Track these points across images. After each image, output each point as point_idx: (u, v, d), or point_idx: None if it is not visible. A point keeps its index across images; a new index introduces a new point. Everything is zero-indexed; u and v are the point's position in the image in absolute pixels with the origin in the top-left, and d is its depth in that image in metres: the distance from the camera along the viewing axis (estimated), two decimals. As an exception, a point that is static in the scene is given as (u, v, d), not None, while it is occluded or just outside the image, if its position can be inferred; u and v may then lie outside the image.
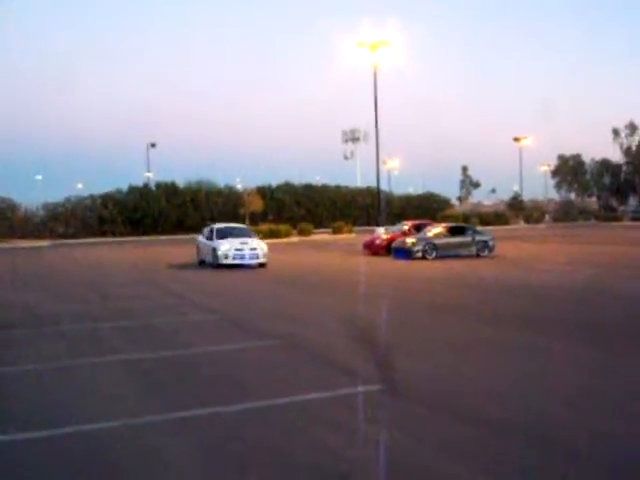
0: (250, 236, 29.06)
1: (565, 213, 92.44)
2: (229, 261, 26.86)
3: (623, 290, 17.52)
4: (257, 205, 67.08)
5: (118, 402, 7.79)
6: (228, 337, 11.87)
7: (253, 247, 27.43)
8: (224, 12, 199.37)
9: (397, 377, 8.41)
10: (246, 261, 27.04)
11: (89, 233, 64.72)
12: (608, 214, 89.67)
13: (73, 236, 63.68)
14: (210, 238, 28.43)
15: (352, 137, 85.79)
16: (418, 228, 34.02)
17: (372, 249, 34.12)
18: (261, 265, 27.19)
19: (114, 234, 65.86)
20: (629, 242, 40.36)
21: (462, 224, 37.49)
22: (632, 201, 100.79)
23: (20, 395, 8.35)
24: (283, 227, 57.73)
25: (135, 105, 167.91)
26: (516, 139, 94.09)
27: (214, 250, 27.25)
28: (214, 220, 65.68)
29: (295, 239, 56.10)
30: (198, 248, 30.12)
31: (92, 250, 45.94)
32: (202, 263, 29.09)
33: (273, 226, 57.70)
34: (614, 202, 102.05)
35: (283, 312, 14.82)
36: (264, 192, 74.38)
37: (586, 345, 10.28)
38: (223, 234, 28.25)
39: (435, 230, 31.82)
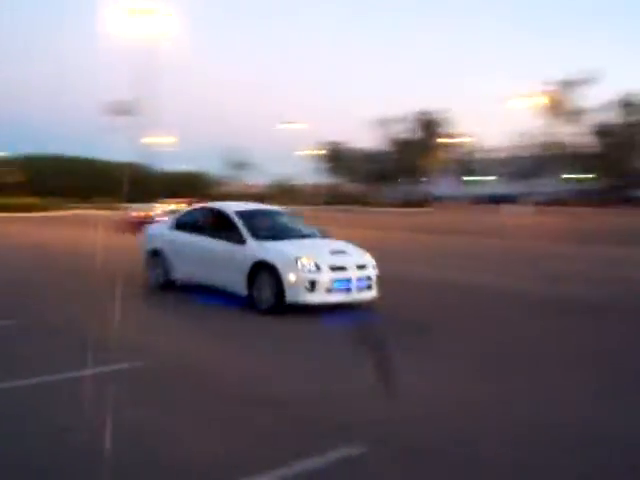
0: (327, 236, 13.60)
1: (327, 197, 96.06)
2: (321, 298, 11.26)
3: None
4: (13, 176, 62.55)
5: None
6: None
7: (361, 263, 11.94)
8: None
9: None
10: (353, 295, 11.61)
11: None
12: (368, 199, 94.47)
13: None
14: (230, 238, 12.26)
15: (118, 110, 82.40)
16: (176, 206, 33.30)
17: (125, 226, 32.90)
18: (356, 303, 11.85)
19: None
20: (378, 227, 42.55)
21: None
22: (390, 188, 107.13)
23: None
24: (39, 200, 54.41)
25: None
26: (285, 123, 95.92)
27: (267, 270, 11.42)
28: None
29: (51, 213, 53.04)
30: (159, 255, 13.92)
31: None
32: (169, 285, 13.61)
33: (29, 199, 54.22)
34: (374, 188, 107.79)
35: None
36: (15, 162, 69.47)
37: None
38: (266, 230, 12.70)
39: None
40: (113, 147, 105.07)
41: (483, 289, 15.10)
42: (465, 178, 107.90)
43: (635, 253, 25.10)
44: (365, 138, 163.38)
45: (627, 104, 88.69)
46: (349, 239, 13.65)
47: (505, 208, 71.16)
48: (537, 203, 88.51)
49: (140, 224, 31.44)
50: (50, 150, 79.28)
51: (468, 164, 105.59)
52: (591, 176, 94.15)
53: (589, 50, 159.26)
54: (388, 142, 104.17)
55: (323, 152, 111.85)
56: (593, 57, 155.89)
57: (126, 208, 40.52)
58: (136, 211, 35.82)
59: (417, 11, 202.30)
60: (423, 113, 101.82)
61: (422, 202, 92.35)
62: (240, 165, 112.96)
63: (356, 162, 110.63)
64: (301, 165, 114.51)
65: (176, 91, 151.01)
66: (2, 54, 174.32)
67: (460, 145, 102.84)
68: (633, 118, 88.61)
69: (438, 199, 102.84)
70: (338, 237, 14.02)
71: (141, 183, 54.80)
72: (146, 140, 48.47)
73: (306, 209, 79.37)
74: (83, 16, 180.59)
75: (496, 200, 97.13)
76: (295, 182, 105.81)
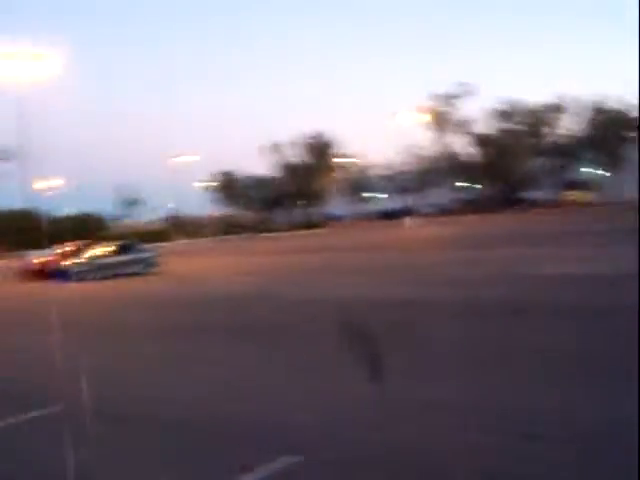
0: None
1: (224, 227, 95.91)
2: None
3: (285, 295, 18.52)
4: None
5: None
6: None
7: None
8: None
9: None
10: None
11: None
12: (264, 226, 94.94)
13: None
14: None
15: (2, 156, 79.79)
16: (79, 249, 32.84)
17: (29, 274, 32.22)
18: None
19: None
20: (280, 252, 42.99)
21: (125, 242, 36.78)
22: (281, 213, 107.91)
23: None
24: None
25: None
26: (173, 157, 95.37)
27: None
28: None
29: None
30: None
31: None
32: None
33: None
34: (266, 215, 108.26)
35: None
36: None
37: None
38: None
39: (96, 250, 31.00)
40: (5, 194, 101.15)
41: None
42: (357, 197, 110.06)
43: (526, 252, 26.33)
44: (257, 165, 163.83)
45: (503, 113, 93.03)
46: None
47: (404, 222, 72.66)
48: (427, 215, 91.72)
49: (46, 269, 31.15)
50: None
51: (359, 183, 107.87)
52: (478, 185, 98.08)
53: (469, 61, 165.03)
54: (279, 167, 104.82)
55: (215, 182, 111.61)
56: (473, 68, 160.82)
57: (24, 256, 39.21)
58: (36, 258, 34.92)
59: (293, 20, 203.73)
60: (313, 136, 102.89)
61: (316, 224, 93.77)
62: (133, 203, 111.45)
63: (249, 190, 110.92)
64: (195, 197, 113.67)
65: (61, 133, 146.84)
66: None
67: (350, 164, 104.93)
68: (509, 126, 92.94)
69: (332, 220, 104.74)
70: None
71: (32, 229, 53.02)
72: (34, 185, 47.31)
73: (202, 241, 79.42)
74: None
75: (388, 216, 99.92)
76: (189, 215, 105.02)
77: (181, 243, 77.20)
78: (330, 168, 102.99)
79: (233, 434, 6.51)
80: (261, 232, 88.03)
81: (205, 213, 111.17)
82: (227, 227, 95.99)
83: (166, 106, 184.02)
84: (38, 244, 43.63)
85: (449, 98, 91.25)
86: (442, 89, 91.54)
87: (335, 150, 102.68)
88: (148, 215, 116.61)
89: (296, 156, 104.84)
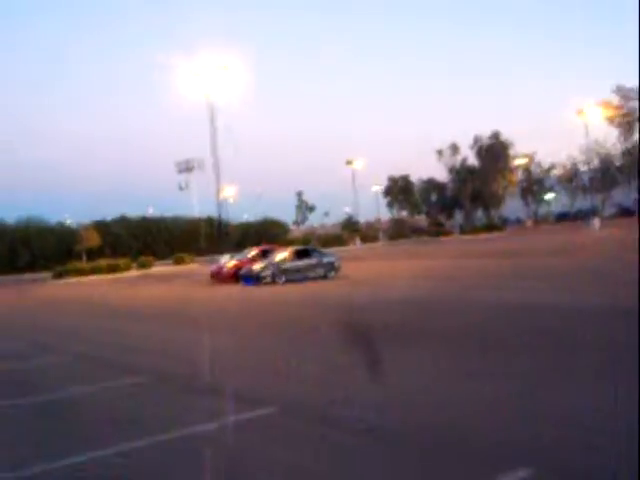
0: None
1: (398, 231, 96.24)
2: None
3: (466, 300, 18.18)
4: (94, 241, 64.75)
5: None
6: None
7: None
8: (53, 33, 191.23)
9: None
10: None
11: None
12: (438, 230, 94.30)
13: None
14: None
15: (187, 167, 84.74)
16: (264, 254, 34.10)
17: (220, 278, 33.79)
18: None
19: None
20: (455, 255, 42.42)
21: (308, 247, 37.75)
22: (458, 216, 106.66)
23: None
24: (122, 261, 56.31)
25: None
26: (348, 162, 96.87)
27: None
28: (47, 259, 63.16)
29: (136, 273, 54.73)
30: None
31: None
32: None
33: (112, 261, 56.25)
34: (442, 218, 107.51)
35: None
36: (99, 227, 72.06)
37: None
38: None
39: (282, 255, 31.95)
40: (185, 203, 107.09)
41: None
42: (536, 198, 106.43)
43: None
44: (432, 168, 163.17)
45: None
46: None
47: (589, 223, 68.88)
48: (610, 217, 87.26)
49: (235, 273, 32.61)
50: (124, 211, 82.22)
51: (537, 184, 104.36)
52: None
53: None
54: (455, 169, 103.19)
55: (386, 187, 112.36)
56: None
57: (214, 261, 41.52)
58: (226, 262, 36.74)
59: (468, 21, 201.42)
60: (489, 137, 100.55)
61: (496, 227, 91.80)
62: (311, 208, 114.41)
63: (424, 193, 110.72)
64: (371, 201, 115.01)
65: (242, 142, 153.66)
66: (72, 117, 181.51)
67: (528, 165, 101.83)
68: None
69: (511, 222, 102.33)
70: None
71: (218, 235, 55.78)
72: (219, 193, 49.70)
73: (378, 245, 79.94)
74: (152, 78, 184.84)
75: (568, 218, 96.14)
76: (365, 220, 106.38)
77: (357, 247, 78.12)
78: (507, 169, 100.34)
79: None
80: (437, 235, 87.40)
81: (380, 217, 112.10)
82: (403, 230, 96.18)
83: (341, 112, 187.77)
84: (224, 249, 45.98)
85: (635, 92, 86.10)
86: (628, 82, 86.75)
87: (512, 150, 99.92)
88: (325, 220, 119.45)
89: (472, 158, 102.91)
